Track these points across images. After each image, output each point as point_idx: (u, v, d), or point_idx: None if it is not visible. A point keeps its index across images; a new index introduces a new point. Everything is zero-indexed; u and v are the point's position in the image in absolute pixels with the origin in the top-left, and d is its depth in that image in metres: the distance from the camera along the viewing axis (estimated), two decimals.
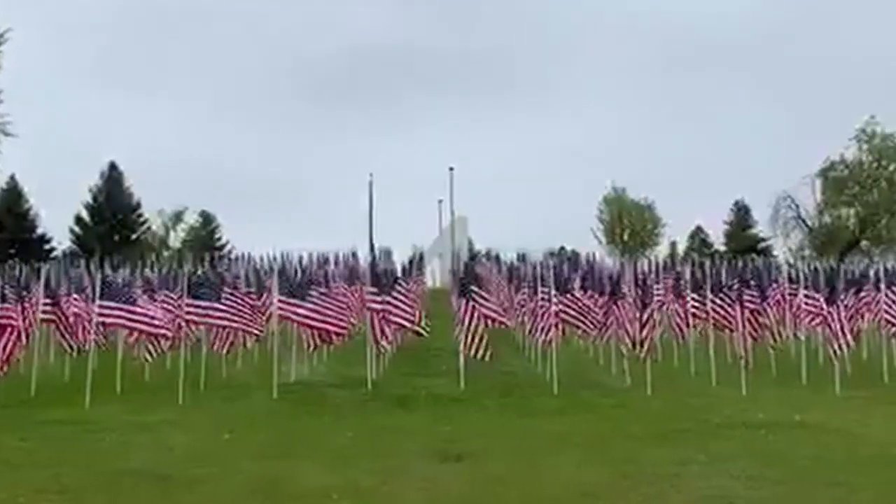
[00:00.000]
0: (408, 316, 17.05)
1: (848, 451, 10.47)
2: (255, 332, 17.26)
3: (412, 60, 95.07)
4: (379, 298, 16.77)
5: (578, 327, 18.24)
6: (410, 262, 32.22)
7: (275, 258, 32.82)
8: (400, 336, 19.40)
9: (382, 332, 16.87)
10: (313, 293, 16.51)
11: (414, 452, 10.41)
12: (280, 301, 16.05)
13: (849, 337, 16.57)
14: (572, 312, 17.72)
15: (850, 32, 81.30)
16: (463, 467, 9.66)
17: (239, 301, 16.53)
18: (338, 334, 17.12)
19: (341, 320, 16.83)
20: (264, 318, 17.81)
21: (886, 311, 18.09)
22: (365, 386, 15.96)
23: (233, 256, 44.75)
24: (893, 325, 18.19)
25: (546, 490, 8.65)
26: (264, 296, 18.94)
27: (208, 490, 8.73)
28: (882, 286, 18.31)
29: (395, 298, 16.97)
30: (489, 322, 16.67)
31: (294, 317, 16.39)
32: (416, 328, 17.47)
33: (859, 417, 12.91)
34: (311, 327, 16.55)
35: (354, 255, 36.06)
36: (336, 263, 33.58)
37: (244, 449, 10.67)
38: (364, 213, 50.77)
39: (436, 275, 44.93)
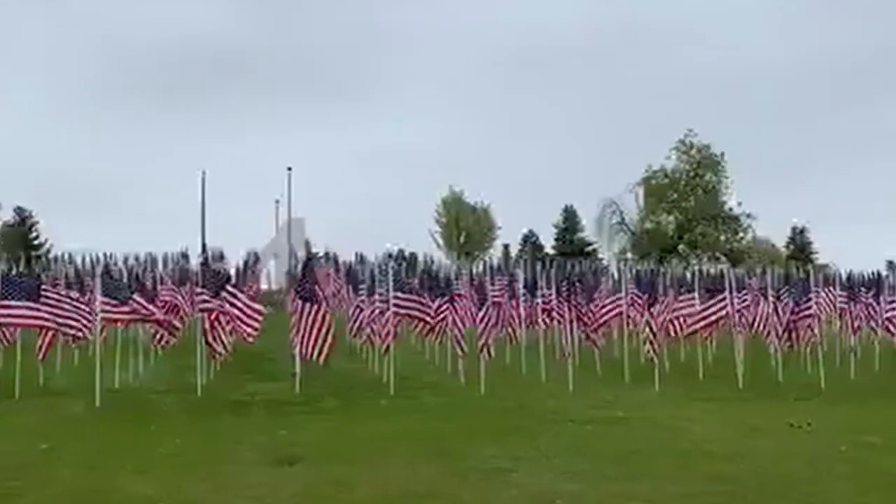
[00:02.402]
0: (247, 320, 16.73)
1: (666, 445, 11.07)
2: (79, 334, 16.30)
3: (250, 59, 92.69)
4: (211, 300, 16.25)
5: (421, 321, 18.44)
6: (245, 263, 31.52)
7: (98, 259, 31.17)
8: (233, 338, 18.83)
9: (214, 334, 16.35)
10: (137, 294, 15.89)
11: (246, 458, 10.15)
12: (104, 303, 15.29)
13: (660, 336, 17.68)
14: (414, 311, 17.83)
15: (671, 48, 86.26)
16: (298, 471, 9.51)
17: (60, 301, 15.60)
18: (170, 333, 16.63)
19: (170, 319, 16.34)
20: (88, 319, 16.85)
21: (703, 313, 19.29)
22: (195, 391, 15.43)
23: (51, 256, 42.14)
24: (710, 326, 19.45)
25: (381, 491, 8.65)
26: (87, 297, 17.95)
27: None
28: (697, 289, 19.52)
29: (232, 300, 16.57)
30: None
31: (121, 316, 15.70)
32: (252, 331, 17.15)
33: (677, 413, 13.69)
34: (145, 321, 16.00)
35: (185, 255, 34.86)
36: (165, 265, 32.34)
37: (64, 459, 10.05)
38: (197, 213, 49.11)
39: (271, 276, 44.13)
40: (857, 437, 11.44)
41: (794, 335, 18.85)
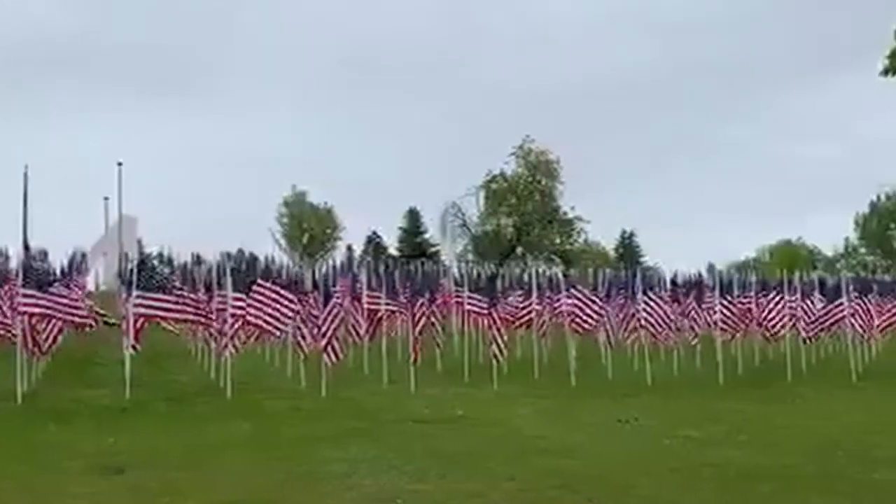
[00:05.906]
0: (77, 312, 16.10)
1: (503, 442, 11.34)
2: None
3: (79, 51, 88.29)
4: (33, 301, 15.28)
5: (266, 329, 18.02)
6: (70, 263, 29.76)
7: None
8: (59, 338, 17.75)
9: (34, 338, 15.39)
10: None
11: (70, 468, 9.61)
12: None
13: (506, 338, 18.16)
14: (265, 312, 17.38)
15: (512, 55, 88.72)
16: (126, 480, 9.08)
17: None
18: None
19: None
20: None
21: (538, 313, 19.99)
22: (14, 399, 14.44)
23: None
24: (543, 324, 20.16)
25: (215, 498, 8.40)
26: None
27: None
28: (534, 290, 20.12)
29: (58, 297, 15.76)
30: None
31: None
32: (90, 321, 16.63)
33: (513, 411, 14.06)
34: None
35: (5, 254, 32.54)
36: None
37: None
38: (18, 209, 45.97)
39: (100, 277, 41.99)
40: (678, 430, 12.11)
41: (623, 333, 19.83)
